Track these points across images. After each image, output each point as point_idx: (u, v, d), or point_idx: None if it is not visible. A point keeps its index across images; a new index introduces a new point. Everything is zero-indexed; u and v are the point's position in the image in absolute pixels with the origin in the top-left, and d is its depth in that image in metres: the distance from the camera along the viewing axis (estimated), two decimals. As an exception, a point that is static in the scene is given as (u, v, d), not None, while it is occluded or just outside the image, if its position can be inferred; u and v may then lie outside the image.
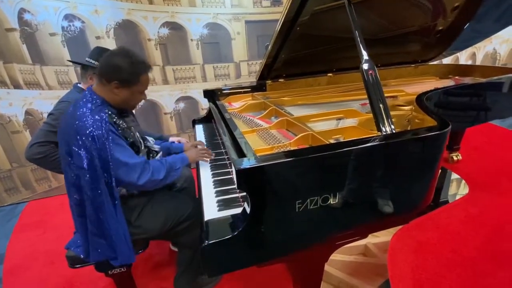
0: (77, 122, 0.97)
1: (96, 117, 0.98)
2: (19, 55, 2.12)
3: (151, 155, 1.26)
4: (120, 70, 1.01)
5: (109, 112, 1.04)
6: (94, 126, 0.96)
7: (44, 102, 2.29)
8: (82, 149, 0.97)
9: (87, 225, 1.06)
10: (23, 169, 2.38)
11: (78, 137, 0.96)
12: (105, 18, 2.29)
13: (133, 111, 1.37)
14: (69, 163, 1.01)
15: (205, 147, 1.38)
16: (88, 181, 0.99)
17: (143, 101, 1.23)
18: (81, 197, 1.04)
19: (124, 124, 1.10)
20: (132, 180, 1.01)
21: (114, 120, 1.06)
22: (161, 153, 1.33)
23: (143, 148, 1.18)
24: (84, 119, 0.97)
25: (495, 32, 2.15)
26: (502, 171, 2.21)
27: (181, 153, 1.24)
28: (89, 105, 1.01)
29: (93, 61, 1.40)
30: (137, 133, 1.18)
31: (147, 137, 1.30)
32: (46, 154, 1.30)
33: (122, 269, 1.20)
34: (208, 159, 1.31)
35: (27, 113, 2.28)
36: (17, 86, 2.17)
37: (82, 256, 1.12)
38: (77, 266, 1.18)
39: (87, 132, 0.95)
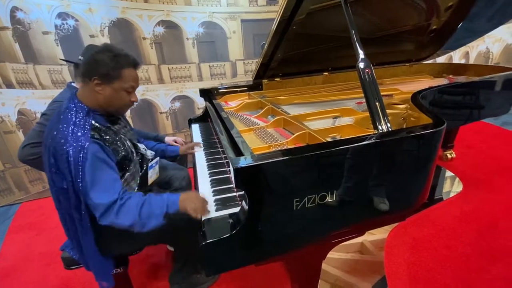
0: (58, 140, 0.90)
1: (78, 134, 0.90)
2: (11, 54, 2.09)
3: (145, 163, 1.19)
4: (100, 64, 0.93)
5: (95, 123, 0.96)
6: (72, 148, 0.88)
7: (37, 102, 2.26)
8: (59, 170, 0.91)
9: (74, 243, 1.05)
10: (16, 170, 2.34)
11: (58, 158, 0.90)
12: (99, 17, 2.26)
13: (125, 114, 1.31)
14: (52, 179, 0.95)
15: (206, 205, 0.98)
16: (66, 202, 0.95)
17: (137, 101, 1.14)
18: (64, 214, 1.00)
19: (114, 135, 1.01)
20: (95, 214, 0.93)
21: (102, 133, 0.96)
22: (158, 158, 1.26)
23: (135, 157, 1.10)
24: (63, 138, 0.89)
25: (487, 32, 2.18)
26: (495, 169, 2.25)
27: (174, 195, 0.98)
28: (73, 115, 0.93)
29: None
30: (128, 142, 1.09)
31: (139, 144, 1.20)
32: (40, 156, 1.27)
33: (119, 270, 1.20)
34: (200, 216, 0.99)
35: (20, 113, 2.25)
36: (9, 85, 2.14)
37: (75, 257, 1.11)
38: (73, 267, 1.17)
39: (64, 154, 0.88)
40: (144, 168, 1.18)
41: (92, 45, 1.48)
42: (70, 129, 0.90)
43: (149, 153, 1.22)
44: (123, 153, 1.02)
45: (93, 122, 0.95)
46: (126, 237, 1.07)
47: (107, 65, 0.93)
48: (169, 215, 0.96)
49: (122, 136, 1.07)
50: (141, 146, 1.20)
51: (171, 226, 1.14)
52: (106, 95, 0.96)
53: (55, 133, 0.91)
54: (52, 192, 1.01)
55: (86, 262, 1.08)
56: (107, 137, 0.98)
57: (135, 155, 1.11)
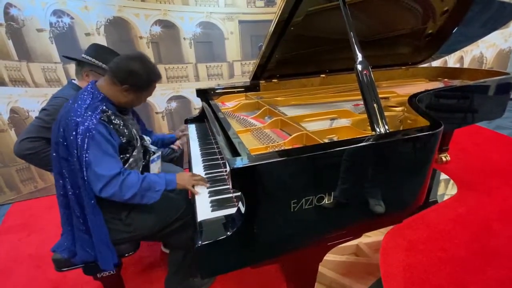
0: (70, 114, 0.98)
1: (89, 113, 0.98)
2: (4, 51, 2.05)
3: (148, 155, 1.24)
4: (136, 76, 1.04)
5: (106, 109, 1.04)
6: (82, 123, 0.96)
7: (30, 100, 2.22)
8: (66, 142, 0.98)
9: (73, 219, 1.06)
10: (8, 170, 2.29)
11: (67, 129, 0.98)
12: (95, 15, 2.23)
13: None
14: (57, 151, 1.02)
15: (203, 177, 1.16)
16: (71, 173, 1.01)
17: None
18: (64, 186, 1.04)
19: (121, 121, 1.09)
20: (95, 188, 0.98)
21: (110, 117, 1.04)
22: (159, 153, 1.31)
23: (138, 145, 1.16)
24: (75, 113, 0.98)
25: (481, 37, 2.22)
26: (488, 171, 2.27)
27: (170, 174, 1.11)
28: (89, 100, 1.02)
29: (89, 58, 1.37)
30: (134, 130, 1.16)
31: (144, 136, 1.28)
32: (37, 150, 1.24)
33: (111, 272, 1.17)
34: (198, 191, 1.09)
35: (12, 111, 2.20)
36: (1, 83, 2.09)
37: (66, 257, 1.09)
38: (64, 269, 1.14)
39: (73, 126, 0.96)
40: (147, 159, 1.23)
41: (97, 44, 1.47)
42: (83, 108, 0.99)
43: (153, 147, 1.29)
44: (127, 137, 1.09)
45: (104, 107, 1.03)
46: (125, 221, 1.10)
47: (142, 80, 1.06)
48: (167, 191, 1.09)
49: (129, 125, 1.14)
50: (146, 138, 1.28)
51: (166, 224, 1.15)
52: (129, 99, 1.09)
53: (69, 109, 1.00)
54: (54, 167, 1.05)
55: (83, 256, 1.07)
56: (114, 121, 1.06)
57: (139, 142, 1.17)
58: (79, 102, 1.01)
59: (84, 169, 0.97)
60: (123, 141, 1.07)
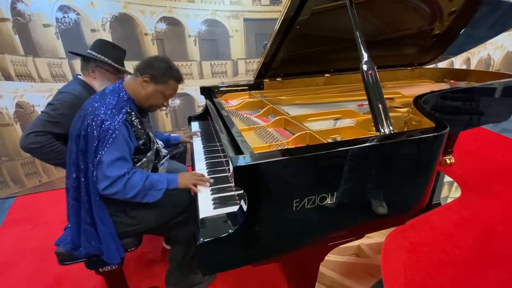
0: (99, 110, 1.03)
1: (115, 112, 1.04)
2: (11, 46, 2.06)
3: (158, 158, 1.27)
4: (155, 67, 1.11)
5: (130, 110, 1.10)
6: (107, 121, 1.01)
7: (36, 95, 2.24)
8: (87, 136, 1.02)
9: (81, 211, 1.08)
10: (13, 163, 2.32)
11: (91, 124, 1.01)
12: (101, 11, 2.24)
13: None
14: (76, 142, 1.06)
15: (204, 174, 1.18)
16: (86, 165, 1.04)
17: (168, 106, 1.29)
18: (78, 177, 1.07)
19: (140, 124, 1.14)
20: (99, 186, 1.02)
21: (132, 119, 1.10)
22: (168, 157, 1.35)
23: (154, 147, 1.21)
24: (103, 109, 1.03)
25: (489, 38, 2.19)
26: (493, 175, 2.25)
27: (172, 174, 1.14)
28: (116, 98, 1.07)
29: (95, 53, 1.37)
30: (150, 134, 1.21)
31: (158, 140, 1.33)
32: (43, 144, 1.26)
33: (113, 267, 1.18)
34: (200, 189, 1.10)
35: (18, 105, 2.22)
36: (8, 77, 2.11)
37: (70, 249, 1.11)
38: (67, 262, 1.15)
39: (99, 122, 1.01)
40: (157, 161, 1.27)
41: (102, 39, 1.47)
42: (110, 108, 1.04)
43: (164, 151, 1.34)
44: (144, 140, 1.14)
45: (128, 108, 1.09)
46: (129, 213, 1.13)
47: (160, 70, 1.12)
48: (169, 191, 1.11)
49: (146, 128, 1.19)
50: (160, 143, 1.34)
51: (169, 217, 1.18)
52: (147, 91, 1.13)
53: (96, 107, 1.04)
54: (69, 158, 1.08)
55: (87, 249, 1.09)
56: (135, 124, 1.11)
57: (154, 145, 1.22)
58: (107, 100, 1.06)
59: (95, 165, 1.00)
60: (140, 143, 1.12)
